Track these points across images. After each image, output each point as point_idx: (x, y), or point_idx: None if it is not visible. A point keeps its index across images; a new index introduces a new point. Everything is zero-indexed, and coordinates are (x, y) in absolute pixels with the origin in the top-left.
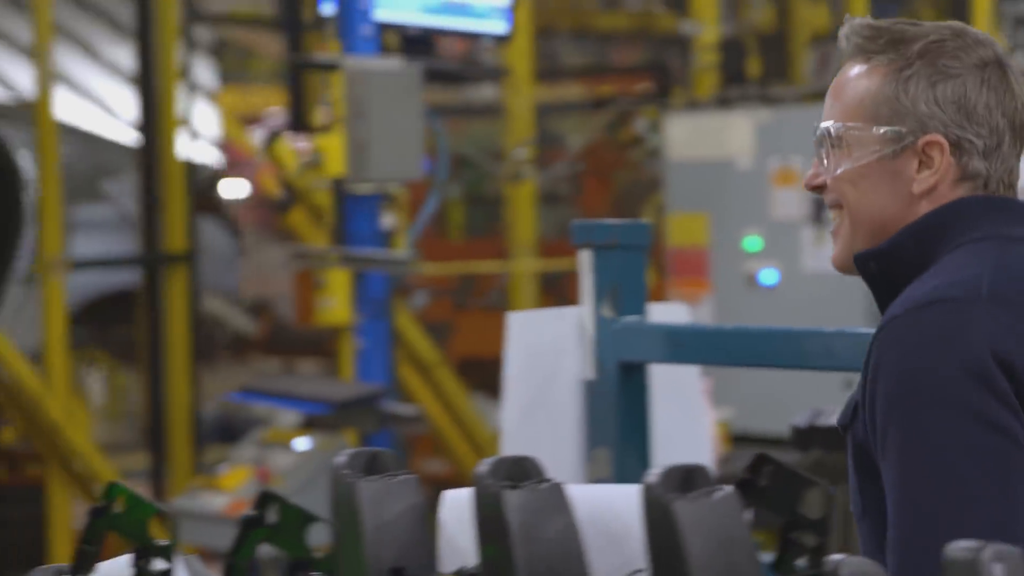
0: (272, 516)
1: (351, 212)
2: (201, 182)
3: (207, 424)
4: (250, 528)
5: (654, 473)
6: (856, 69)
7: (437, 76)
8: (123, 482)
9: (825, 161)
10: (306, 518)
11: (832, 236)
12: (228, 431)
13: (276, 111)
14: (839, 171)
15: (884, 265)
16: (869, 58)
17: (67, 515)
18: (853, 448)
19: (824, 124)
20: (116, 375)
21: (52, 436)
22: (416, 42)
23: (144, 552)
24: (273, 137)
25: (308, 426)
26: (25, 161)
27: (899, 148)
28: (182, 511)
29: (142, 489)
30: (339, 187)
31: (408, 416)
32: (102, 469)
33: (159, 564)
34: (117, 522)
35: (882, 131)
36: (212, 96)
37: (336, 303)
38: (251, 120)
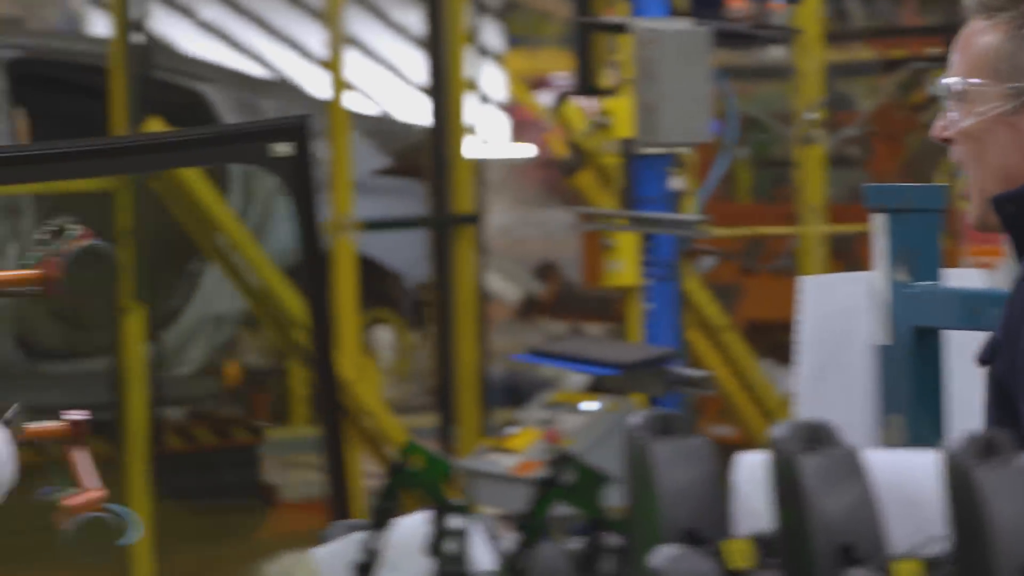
0: (567, 477)
1: (639, 174)
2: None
3: (494, 386)
4: (545, 489)
5: (955, 439)
6: (979, 25)
7: (726, 37)
8: (419, 441)
9: (951, 115)
10: (601, 479)
11: (966, 198)
12: (514, 393)
13: (562, 74)
14: (963, 125)
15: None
16: (991, 15)
17: (357, 473)
18: (992, 385)
19: (948, 79)
20: (404, 335)
21: (343, 394)
22: (705, 3)
23: (441, 510)
24: (562, 99)
25: (595, 388)
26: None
27: (1019, 104)
28: (470, 471)
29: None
30: (627, 149)
31: (696, 379)
32: (392, 428)
33: (455, 522)
34: (414, 480)
35: (1003, 87)
36: (499, 59)
37: (624, 265)
38: (537, 83)
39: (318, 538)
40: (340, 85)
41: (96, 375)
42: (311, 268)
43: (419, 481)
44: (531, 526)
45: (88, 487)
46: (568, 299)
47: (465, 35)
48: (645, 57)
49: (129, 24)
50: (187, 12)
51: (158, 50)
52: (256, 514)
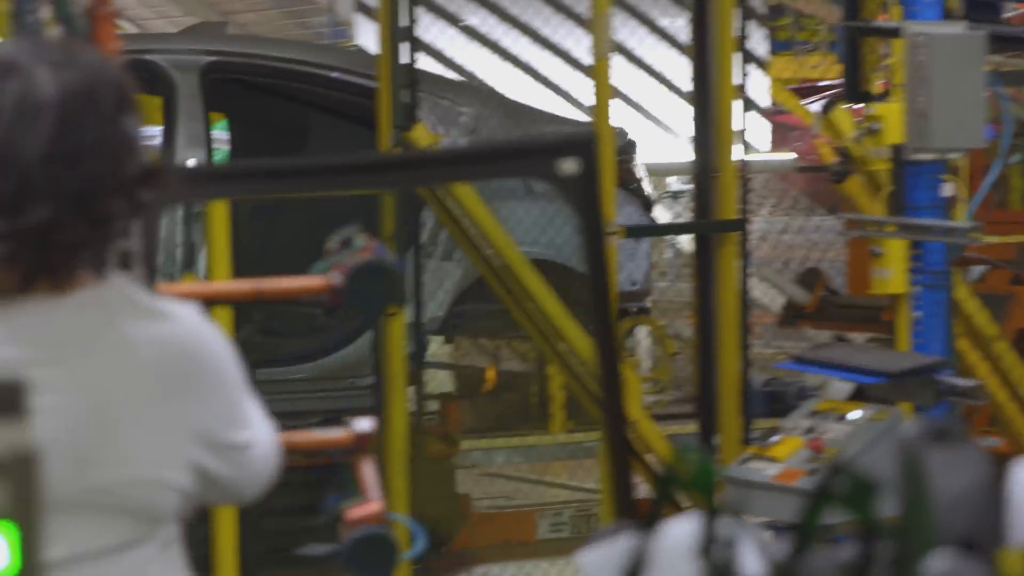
0: (840, 485)
1: (910, 180)
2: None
3: (754, 394)
4: (818, 497)
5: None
6: None
7: (1001, 41)
8: (690, 447)
9: None
10: (873, 488)
11: None
12: (774, 401)
13: (827, 79)
14: None
15: None
16: None
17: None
18: None
19: None
20: (665, 343)
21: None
22: (981, 7)
23: (711, 516)
24: (830, 105)
25: (860, 397)
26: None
27: None
28: (732, 479)
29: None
30: (898, 155)
31: (966, 389)
32: (652, 436)
33: (725, 528)
34: (685, 485)
35: None
36: (763, 65)
37: (892, 273)
38: (801, 89)
39: (586, 543)
40: (605, 92)
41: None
42: (597, 282)
43: (690, 486)
44: (803, 534)
45: (371, 498)
46: (831, 306)
47: (733, 41)
48: (917, 62)
49: (397, 32)
50: (452, 19)
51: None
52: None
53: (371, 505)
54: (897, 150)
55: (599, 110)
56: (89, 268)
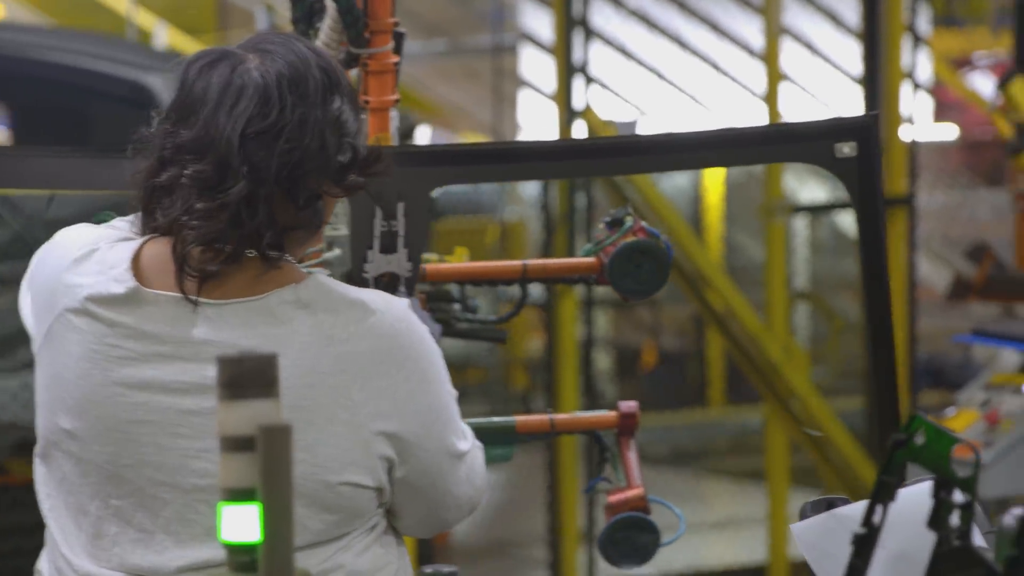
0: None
1: None
2: None
3: (919, 369)
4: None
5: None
6: None
7: None
8: (925, 415)
9: None
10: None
11: None
12: (938, 376)
13: (986, 53)
14: None
15: None
16: None
17: (784, 454)
18: None
19: None
20: (835, 318)
21: (771, 376)
22: None
23: (945, 483)
24: (1008, 78)
25: None
26: None
27: None
28: None
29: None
30: None
31: None
32: (819, 411)
33: (959, 496)
34: (918, 453)
35: None
36: (925, 40)
37: None
38: (962, 63)
39: (799, 513)
40: (776, 77)
41: None
42: (875, 270)
43: (923, 454)
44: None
45: (634, 483)
46: (999, 281)
47: (902, 24)
48: None
49: (571, 20)
50: (621, 4)
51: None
52: None
53: (634, 489)
54: None
55: (770, 95)
56: (299, 249)
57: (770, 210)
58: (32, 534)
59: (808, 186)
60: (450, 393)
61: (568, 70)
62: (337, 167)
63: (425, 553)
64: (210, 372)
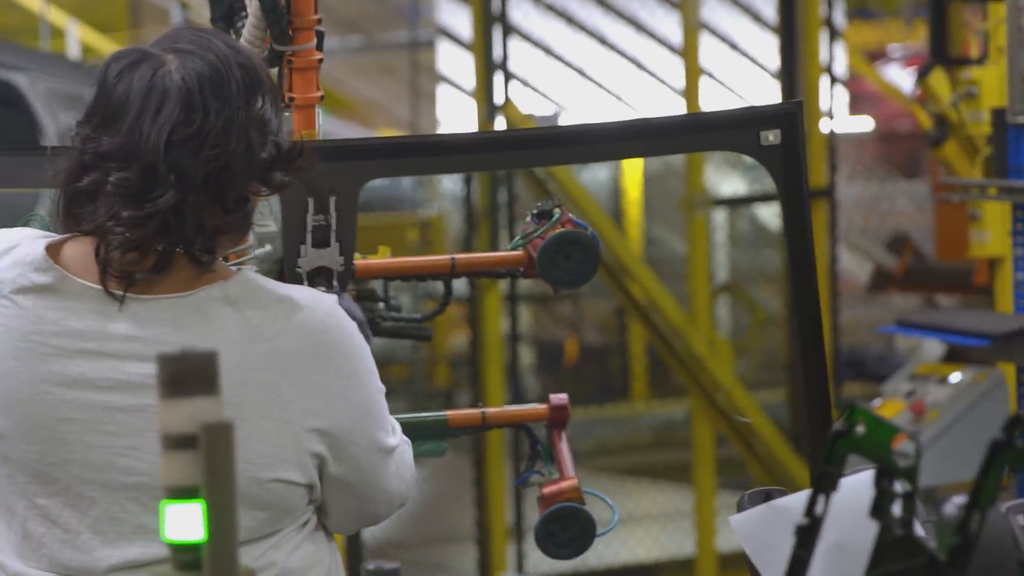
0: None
1: (1012, 144)
2: None
3: (841, 360)
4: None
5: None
6: None
7: None
8: (862, 404)
9: None
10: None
11: None
12: (859, 368)
13: (898, 45)
14: None
15: None
16: None
17: (710, 447)
18: None
19: None
20: (756, 310)
21: (696, 369)
22: None
23: (886, 473)
24: (927, 70)
25: (955, 360)
26: None
27: None
28: None
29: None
30: (998, 119)
31: None
32: (744, 403)
33: (900, 486)
34: (858, 444)
35: None
36: (840, 33)
37: (991, 236)
38: (877, 55)
39: (736, 506)
40: (695, 72)
41: None
42: (800, 256)
43: (864, 444)
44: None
45: (567, 475)
46: (919, 272)
47: (819, 17)
48: (1021, 25)
49: (490, 16)
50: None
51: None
52: None
53: (567, 480)
54: (998, 113)
55: (689, 91)
56: (230, 250)
57: (691, 203)
58: None
59: (729, 179)
60: (379, 388)
61: (488, 66)
62: (263, 167)
63: (355, 551)
64: (134, 369)
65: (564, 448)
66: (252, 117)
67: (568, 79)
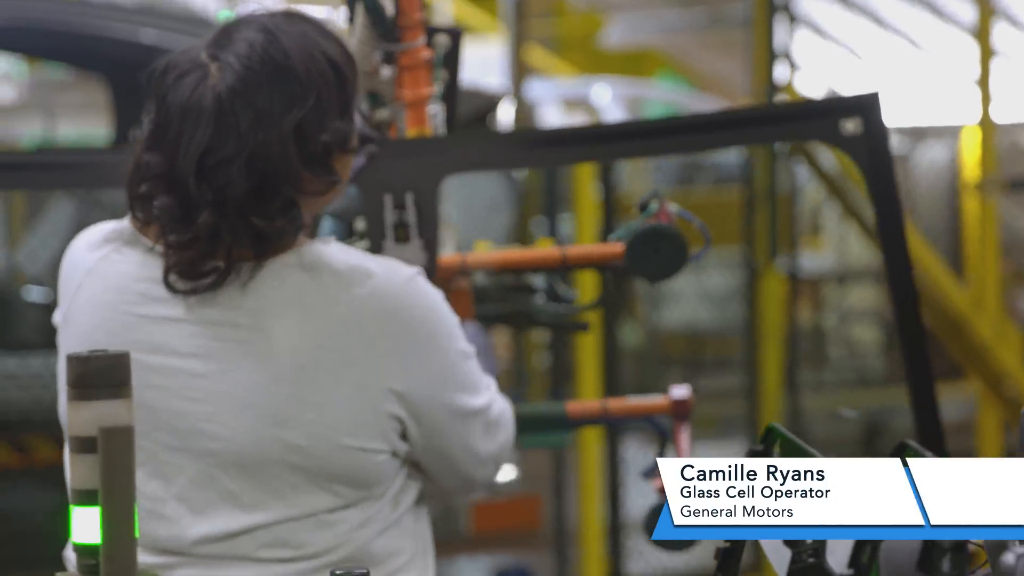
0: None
1: None
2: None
3: None
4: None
5: None
6: None
7: None
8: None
9: None
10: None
11: None
12: None
13: None
14: None
15: None
16: None
17: (997, 438)
18: None
19: None
20: None
21: (982, 356)
22: None
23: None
24: None
25: None
26: None
27: None
28: None
29: None
30: None
31: None
32: None
33: None
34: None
35: None
36: None
37: None
38: None
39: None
40: (987, 55)
41: None
42: (891, 249)
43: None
44: None
45: None
46: None
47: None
48: None
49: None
50: None
51: None
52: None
53: None
54: None
55: (982, 74)
56: (289, 239)
57: (983, 186)
58: (55, 517)
59: None
60: (460, 352)
61: (769, 52)
62: (311, 168)
63: None
64: (212, 334)
65: (685, 440)
66: (298, 121)
67: (843, 61)
